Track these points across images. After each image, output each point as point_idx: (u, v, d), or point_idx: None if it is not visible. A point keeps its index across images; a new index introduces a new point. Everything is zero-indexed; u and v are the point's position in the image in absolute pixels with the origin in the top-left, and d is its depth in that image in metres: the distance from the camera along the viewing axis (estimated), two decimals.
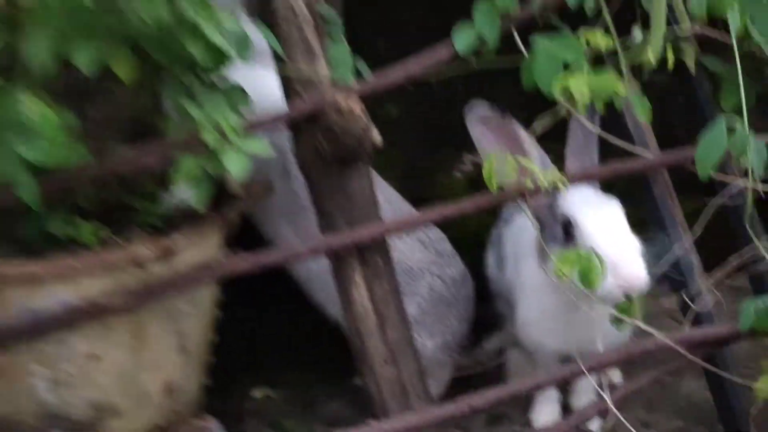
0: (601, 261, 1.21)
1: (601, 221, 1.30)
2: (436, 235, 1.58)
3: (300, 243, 1.30)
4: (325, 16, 1.30)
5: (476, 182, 1.30)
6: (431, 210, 1.35)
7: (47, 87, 1.10)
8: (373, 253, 1.33)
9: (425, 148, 1.91)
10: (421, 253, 1.56)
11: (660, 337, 1.25)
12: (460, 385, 1.52)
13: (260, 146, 1.16)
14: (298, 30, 1.28)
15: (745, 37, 1.30)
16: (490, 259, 1.58)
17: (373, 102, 1.31)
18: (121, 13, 1.05)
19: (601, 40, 1.30)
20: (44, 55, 1.03)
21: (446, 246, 1.59)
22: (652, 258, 1.30)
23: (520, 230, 1.46)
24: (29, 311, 1.13)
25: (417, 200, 1.60)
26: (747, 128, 1.23)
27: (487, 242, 1.59)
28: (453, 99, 1.49)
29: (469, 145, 1.35)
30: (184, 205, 1.30)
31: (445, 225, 1.50)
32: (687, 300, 1.34)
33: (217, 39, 1.11)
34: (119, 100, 1.22)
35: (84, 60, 1.04)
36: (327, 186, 1.31)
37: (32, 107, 1.02)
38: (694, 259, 1.40)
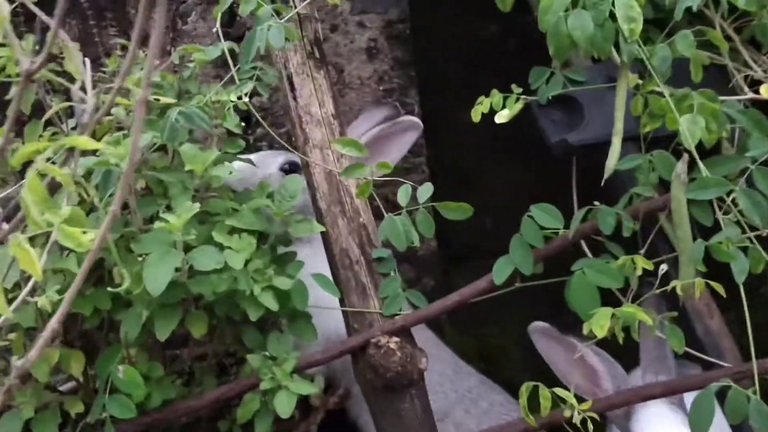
0: None
1: None
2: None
3: None
4: (379, 258, 1.51)
5: None
6: None
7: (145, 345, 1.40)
8: None
9: None
10: None
11: None
12: None
13: (308, 388, 1.37)
14: (354, 273, 1.49)
15: None
16: None
17: None
18: (189, 290, 1.31)
19: (641, 263, 1.33)
20: (135, 331, 1.31)
21: None
22: None
23: None
24: None
25: None
26: None
27: None
28: None
29: None
30: None
31: None
32: None
33: (269, 302, 1.34)
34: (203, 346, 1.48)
35: (162, 331, 1.31)
36: (380, 408, 1.47)
37: (125, 371, 1.30)
38: None
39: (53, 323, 0.84)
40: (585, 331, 1.29)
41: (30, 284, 0.92)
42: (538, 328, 1.43)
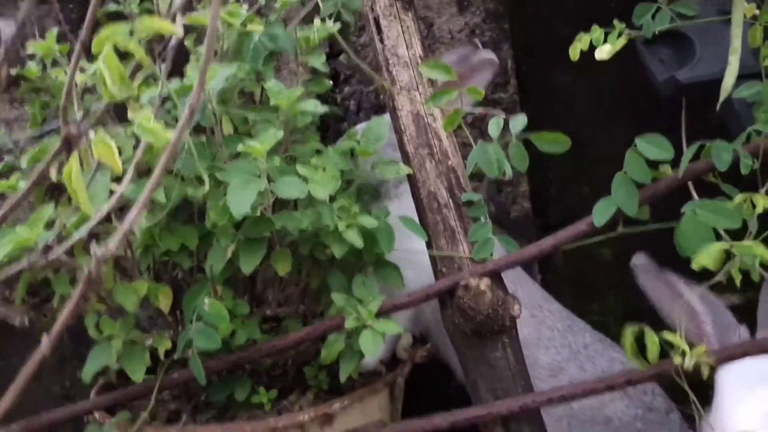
0: None
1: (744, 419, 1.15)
2: (648, 387, 1.51)
3: (442, 416, 1.39)
4: (468, 201, 1.46)
5: None
6: (579, 385, 1.36)
7: (231, 281, 1.39)
8: (519, 425, 1.36)
9: None
10: (624, 404, 1.49)
11: None
12: None
13: (393, 327, 1.33)
14: (442, 218, 1.45)
15: None
16: None
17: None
18: (274, 225, 1.30)
19: (762, 202, 1.21)
20: (220, 263, 1.31)
21: (660, 402, 1.50)
22: None
23: None
24: None
25: None
26: None
27: None
28: None
29: None
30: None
31: None
32: None
33: (354, 239, 1.31)
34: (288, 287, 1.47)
35: (246, 265, 1.29)
36: (470, 356, 1.41)
37: (210, 304, 1.29)
38: None
39: (131, 217, 0.83)
40: (694, 265, 1.18)
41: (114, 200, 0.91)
42: (641, 262, 1.34)
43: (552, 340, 1.57)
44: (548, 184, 1.99)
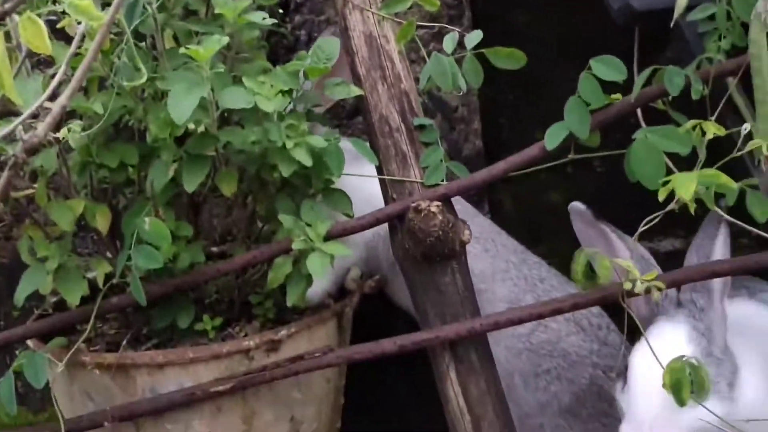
0: None
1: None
2: (603, 323, 1.52)
3: (390, 340, 1.37)
4: (420, 126, 1.42)
5: None
6: (525, 308, 1.36)
7: (173, 203, 1.33)
8: (466, 350, 1.35)
9: None
10: (580, 339, 1.50)
11: None
12: None
13: (341, 249, 1.29)
14: (393, 142, 1.41)
15: None
16: None
17: None
18: (219, 140, 1.24)
19: (712, 129, 1.21)
20: (162, 180, 1.25)
21: (614, 338, 1.51)
22: None
23: None
24: (154, 393, 1.33)
25: None
26: None
27: None
28: None
29: None
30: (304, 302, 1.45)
31: None
32: None
33: (302, 157, 1.26)
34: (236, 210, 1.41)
35: (189, 182, 1.24)
36: (419, 282, 1.38)
37: (151, 223, 1.23)
38: None
39: (63, 99, 0.77)
40: (661, 197, 1.17)
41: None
42: (576, 208, 1.34)
43: (507, 272, 1.56)
44: (500, 125, 1.97)
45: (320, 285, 1.45)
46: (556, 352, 1.48)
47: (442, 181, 1.37)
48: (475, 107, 1.89)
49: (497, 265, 1.56)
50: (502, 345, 1.50)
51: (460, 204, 1.48)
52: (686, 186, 1.14)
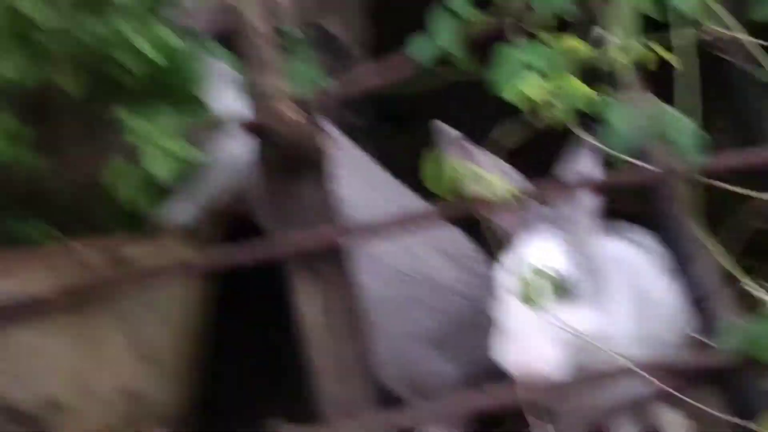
0: None
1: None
2: (469, 252, 1.50)
3: (239, 249, 1.30)
4: (286, 32, 1.34)
5: None
6: (386, 221, 1.31)
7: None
8: (324, 263, 1.30)
9: None
10: (445, 267, 1.48)
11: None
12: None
13: (190, 152, 1.20)
14: (256, 47, 1.32)
15: None
16: None
17: None
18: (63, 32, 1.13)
19: (574, 45, 1.17)
20: None
21: (481, 267, 1.47)
22: None
23: None
24: None
25: None
26: None
27: None
28: None
29: None
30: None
31: None
32: None
33: (150, 52, 1.16)
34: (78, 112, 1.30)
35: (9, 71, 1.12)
36: (280, 193, 1.32)
37: None
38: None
39: None
40: (508, 96, 1.14)
41: None
42: (441, 128, 1.28)
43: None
44: None
45: (187, 208, 1.36)
46: (425, 281, 1.45)
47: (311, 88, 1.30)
48: None
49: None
50: (369, 272, 1.45)
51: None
52: (535, 88, 1.12)
